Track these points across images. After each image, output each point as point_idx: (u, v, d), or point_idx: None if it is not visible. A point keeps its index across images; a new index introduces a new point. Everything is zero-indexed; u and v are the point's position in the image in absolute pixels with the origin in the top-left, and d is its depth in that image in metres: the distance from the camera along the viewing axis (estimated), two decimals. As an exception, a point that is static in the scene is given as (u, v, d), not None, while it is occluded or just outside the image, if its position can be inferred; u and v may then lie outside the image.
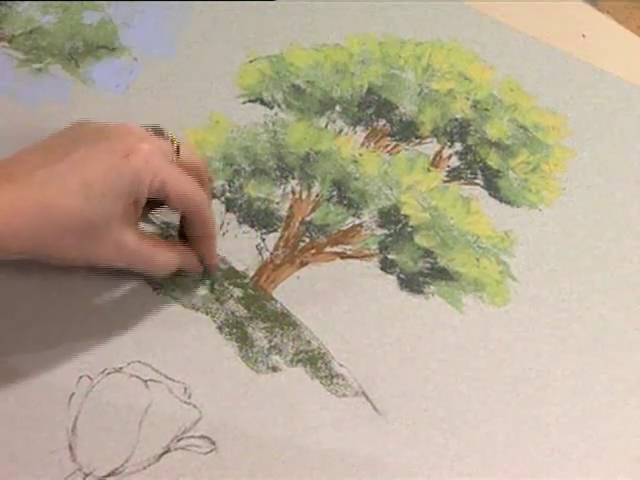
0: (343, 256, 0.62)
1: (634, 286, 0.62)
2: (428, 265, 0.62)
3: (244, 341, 0.57)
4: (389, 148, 0.67)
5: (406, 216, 0.64)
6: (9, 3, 0.71)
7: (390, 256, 0.62)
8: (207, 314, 0.58)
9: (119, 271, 0.57)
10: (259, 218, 0.62)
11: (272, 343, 0.57)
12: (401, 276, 0.61)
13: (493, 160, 0.67)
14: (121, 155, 0.51)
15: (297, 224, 0.63)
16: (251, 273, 0.60)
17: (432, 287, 0.61)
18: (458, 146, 0.68)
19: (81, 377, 0.54)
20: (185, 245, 0.58)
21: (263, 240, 0.62)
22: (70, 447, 0.52)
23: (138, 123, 0.64)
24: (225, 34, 0.72)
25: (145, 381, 0.55)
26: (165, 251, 0.56)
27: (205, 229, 0.56)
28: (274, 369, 0.56)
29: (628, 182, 0.67)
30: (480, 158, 0.67)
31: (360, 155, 0.66)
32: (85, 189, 0.49)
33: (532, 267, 0.62)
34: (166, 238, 0.60)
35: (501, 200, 0.65)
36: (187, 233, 0.57)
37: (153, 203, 0.55)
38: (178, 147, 0.55)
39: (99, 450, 0.52)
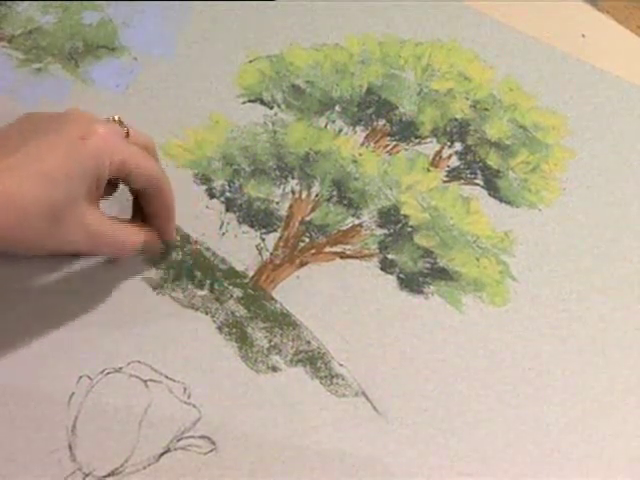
0: (343, 256, 0.62)
1: (634, 286, 0.62)
2: (428, 265, 0.62)
3: (244, 341, 0.57)
4: (389, 148, 0.67)
5: (406, 216, 0.64)
6: (9, 3, 0.71)
7: (390, 256, 0.62)
8: (207, 314, 0.58)
9: (119, 270, 0.57)
10: (259, 218, 0.62)
11: (272, 343, 0.57)
12: (401, 276, 0.61)
13: (493, 160, 0.67)
14: (77, 139, 0.51)
15: (297, 224, 0.63)
16: (251, 273, 0.60)
17: (432, 287, 0.61)
18: (458, 146, 0.68)
19: (81, 377, 0.54)
20: (144, 224, 0.58)
21: (263, 240, 0.62)
22: (70, 447, 0.52)
23: (138, 123, 0.64)
24: (225, 34, 0.72)
25: (145, 381, 0.55)
26: (127, 230, 0.56)
27: (165, 203, 0.57)
28: (274, 369, 0.56)
29: (628, 182, 0.67)
30: (480, 158, 0.67)
31: (360, 155, 0.66)
32: (45, 176, 0.49)
33: (532, 267, 0.62)
34: None
35: (501, 200, 0.65)
36: (146, 210, 0.57)
37: (109, 185, 0.56)
38: (127, 129, 0.56)
39: (99, 450, 0.52)
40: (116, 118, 0.56)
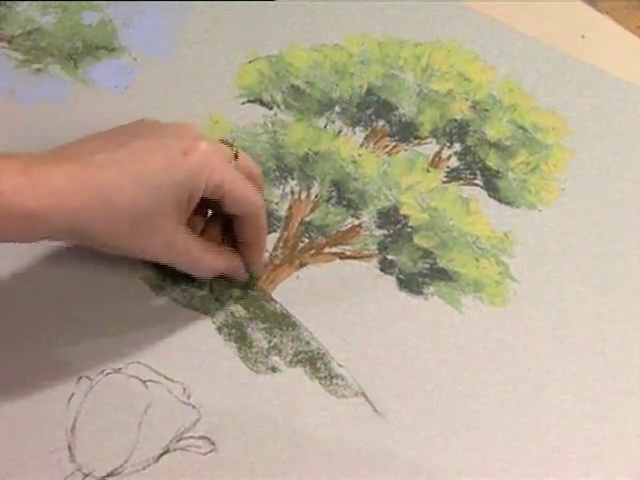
0: (342, 256, 0.62)
1: (634, 286, 0.62)
2: (427, 266, 0.62)
3: (243, 341, 0.57)
4: (388, 149, 0.67)
5: (405, 216, 0.64)
6: (8, 3, 0.71)
7: (389, 256, 0.62)
8: (206, 314, 0.58)
9: (119, 271, 0.57)
10: (258, 218, 0.62)
11: (271, 343, 0.57)
12: (400, 277, 0.61)
13: (492, 161, 0.67)
14: (179, 152, 0.51)
15: (296, 224, 0.63)
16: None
17: (431, 288, 0.61)
18: (457, 147, 0.68)
19: (80, 377, 0.54)
20: (232, 250, 0.58)
21: (262, 240, 0.61)
22: (69, 447, 0.52)
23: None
24: (225, 34, 0.72)
25: (144, 381, 0.55)
26: (212, 254, 0.56)
27: (257, 234, 0.56)
28: (273, 369, 0.56)
29: (627, 182, 0.67)
30: (479, 159, 0.67)
31: (359, 155, 0.66)
32: (141, 178, 0.50)
33: (531, 268, 0.62)
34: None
35: (500, 201, 0.65)
36: (238, 237, 0.57)
37: (204, 206, 0.55)
38: (236, 152, 0.55)
39: (98, 450, 0.52)
40: (229, 141, 0.56)
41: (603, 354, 0.59)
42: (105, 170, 0.49)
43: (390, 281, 0.61)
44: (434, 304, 0.60)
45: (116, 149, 0.50)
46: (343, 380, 0.56)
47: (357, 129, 0.68)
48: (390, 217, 0.63)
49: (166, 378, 0.55)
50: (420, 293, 0.60)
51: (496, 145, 0.68)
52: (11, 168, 0.47)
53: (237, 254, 0.58)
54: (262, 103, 0.69)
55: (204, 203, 0.54)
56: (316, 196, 0.64)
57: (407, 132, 0.68)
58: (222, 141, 0.56)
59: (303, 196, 0.64)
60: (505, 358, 0.58)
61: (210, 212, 0.58)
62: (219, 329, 0.57)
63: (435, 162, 0.67)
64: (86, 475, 0.51)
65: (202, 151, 0.51)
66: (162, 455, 0.52)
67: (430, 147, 0.67)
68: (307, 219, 0.63)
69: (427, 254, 0.62)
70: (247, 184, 0.54)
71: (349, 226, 0.63)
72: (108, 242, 0.52)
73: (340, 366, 0.57)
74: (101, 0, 0.73)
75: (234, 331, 0.57)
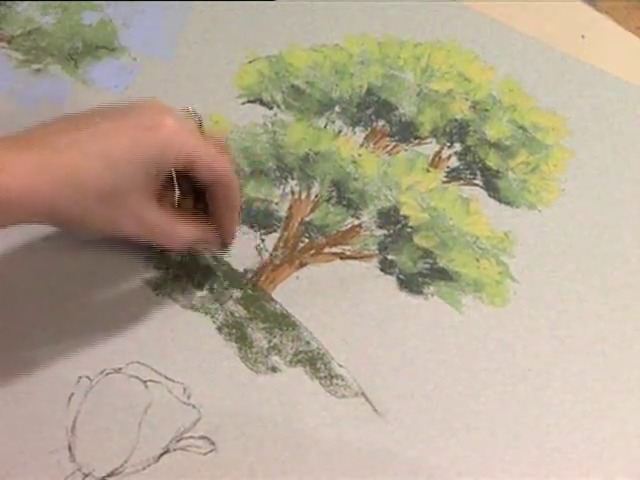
0: (342, 257, 0.62)
1: (634, 286, 0.62)
2: (427, 266, 0.62)
3: (243, 341, 0.57)
4: (388, 149, 0.67)
5: (405, 217, 0.64)
6: (8, 3, 0.71)
7: (389, 256, 0.62)
8: (206, 315, 0.58)
9: (119, 271, 0.57)
10: (258, 219, 0.62)
11: (271, 344, 0.57)
12: (400, 277, 0.61)
13: (492, 161, 0.67)
14: (145, 128, 0.51)
15: (296, 225, 0.63)
16: (250, 274, 0.60)
17: (431, 288, 0.61)
18: (457, 147, 0.68)
19: (80, 377, 0.54)
20: (204, 221, 0.57)
21: (262, 241, 0.62)
22: (69, 447, 0.52)
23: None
24: (224, 34, 0.72)
25: (144, 381, 0.55)
26: (184, 226, 0.56)
27: (231, 200, 0.56)
28: (273, 369, 0.56)
29: (627, 182, 0.67)
30: (479, 159, 0.67)
31: (359, 155, 0.66)
32: (108, 157, 0.50)
33: (531, 268, 0.62)
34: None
35: (500, 201, 0.65)
36: (211, 209, 0.56)
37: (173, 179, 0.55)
38: (200, 121, 0.55)
39: (98, 450, 0.52)
40: (190, 109, 0.56)
41: (603, 354, 0.59)
42: (71, 151, 0.49)
43: (390, 281, 0.61)
44: (434, 304, 0.60)
45: (79, 130, 0.50)
46: (343, 380, 0.56)
47: (357, 129, 0.68)
48: (390, 217, 0.63)
49: (166, 378, 0.55)
50: (420, 293, 0.60)
51: (496, 145, 0.68)
52: None
53: (210, 225, 0.57)
54: (262, 103, 0.69)
55: (172, 177, 0.54)
56: (316, 196, 0.64)
57: (407, 132, 0.68)
58: (185, 111, 0.55)
59: (303, 196, 0.64)
60: (505, 358, 0.58)
61: (178, 192, 0.57)
62: (219, 329, 0.57)
63: (435, 162, 0.67)
64: (86, 475, 0.51)
65: (167, 125, 0.51)
66: (162, 455, 0.52)
67: (430, 147, 0.67)
68: (307, 219, 0.63)
69: (427, 254, 0.62)
70: (215, 152, 0.54)
71: (349, 226, 0.63)
72: (80, 222, 0.51)
73: (340, 366, 0.57)
74: (101, 0, 0.73)
75: (234, 331, 0.57)
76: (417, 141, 0.68)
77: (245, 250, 0.61)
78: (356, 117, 0.68)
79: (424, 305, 0.60)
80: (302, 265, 0.61)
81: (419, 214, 0.64)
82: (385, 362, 0.57)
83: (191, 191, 0.57)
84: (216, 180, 0.54)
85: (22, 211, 0.48)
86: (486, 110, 0.70)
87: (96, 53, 0.70)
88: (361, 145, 0.67)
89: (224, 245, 0.59)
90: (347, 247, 0.62)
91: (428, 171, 0.66)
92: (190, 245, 0.57)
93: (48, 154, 0.49)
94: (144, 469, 0.52)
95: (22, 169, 0.48)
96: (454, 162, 0.67)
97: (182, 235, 0.56)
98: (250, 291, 0.59)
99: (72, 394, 0.54)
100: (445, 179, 0.66)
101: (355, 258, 0.62)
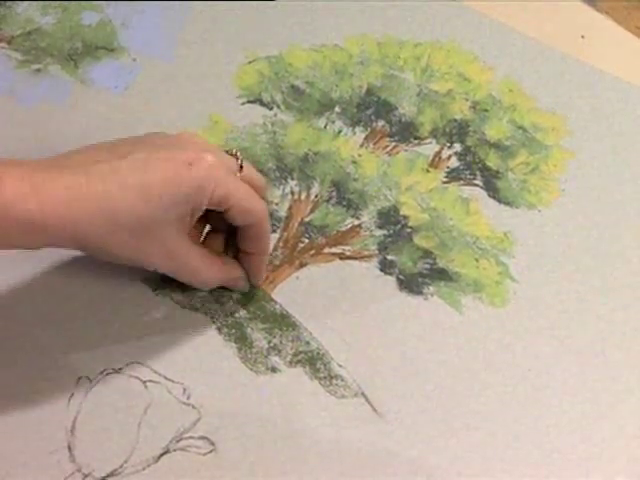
0: (342, 257, 0.62)
1: (634, 286, 0.62)
2: (427, 266, 0.62)
3: (243, 342, 0.57)
4: (388, 149, 0.67)
5: (405, 217, 0.64)
6: (8, 3, 0.71)
7: (389, 257, 0.62)
8: (206, 315, 0.58)
9: (119, 271, 0.57)
10: (258, 219, 0.62)
11: (271, 344, 0.57)
12: (400, 277, 0.61)
13: (492, 161, 0.67)
14: (184, 163, 0.50)
15: (296, 225, 0.63)
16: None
17: (431, 288, 0.61)
18: (457, 147, 0.68)
19: (80, 378, 0.54)
20: (233, 261, 0.58)
21: (262, 241, 0.61)
22: (69, 448, 0.52)
23: (137, 124, 0.64)
24: (224, 35, 0.72)
25: (144, 382, 0.55)
26: (213, 265, 0.56)
27: (260, 245, 0.56)
28: (273, 370, 0.56)
29: (627, 183, 0.67)
30: (479, 159, 0.67)
31: (359, 156, 0.66)
32: (143, 189, 0.49)
33: (531, 268, 0.62)
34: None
35: (500, 201, 0.65)
36: (241, 247, 0.57)
37: (208, 215, 0.55)
38: (241, 163, 0.55)
39: (98, 451, 0.52)
40: (234, 151, 0.55)
41: (603, 354, 0.59)
42: (107, 181, 0.49)
43: (390, 281, 0.61)
44: (434, 304, 0.60)
45: (119, 159, 0.50)
46: (343, 380, 0.56)
47: (357, 129, 0.68)
48: (390, 217, 0.63)
49: (166, 378, 0.55)
50: (420, 293, 0.60)
51: (496, 145, 0.68)
52: (14, 174, 0.47)
53: (238, 265, 0.58)
54: (262, 103, 0.69)
55: (206, 213, 0.54)
56: (316, 196, 0.64)
57: (407, 132, 0.68)
58: (227, 152, 0.55)
59: (303, 196, 0.64)
60: (505, 358, 0.58)
61: (208, 227, 0.58)
62: (219, 329, 0.57)
63: (435, 162, 0.67)
64: (86, 475, 0.51)
65: (207, 163, 0.51)
66: (162, 455, 0.52)
67: (430, 147, 0.67)
68: (307, 219, 0.63)
69: (427, 254, 0.62)
70: (252, 196, 0.54)
71: (349, 226, 0.63)
72: (109, 251, 0.52)
73: (340, 366, 0.57)
74: (101, 0, 0.73)
75: (234, 331, 0.57)
76: (417, 141, 0.68)
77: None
78: (356, 117, 0.68)
79: (424, 305, 0.60)
80: (302, 265, 0.61)
81: (419, 214, 0.64)
82: (385, 362, 0.57)
83: (223, 228, 0.57)
84: (248, 222, 0.54)
85: (54, 236, 0.48)
86: (486, 110, 0.70)
87: (96, 53, 0.70)
88: (361, 145, 0.67)
89: (251, 285, 0.59)
90: (347, 247, 0.62)
91: (428, 171, 0.66)
92: (216, 285, 0.58)
93: (84, 181, 0.48)
94: (144, 469, 0.52)
95: (58, 195, 0.47)
96: (454, 162, 0.67)
97: (210, 275, 0.56)
98: (250, 291, 0.59)
99: (72, 394, 0.54)
100: (445, 179, 0.66)
101: (355, 258, 0.61)
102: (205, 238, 0.58)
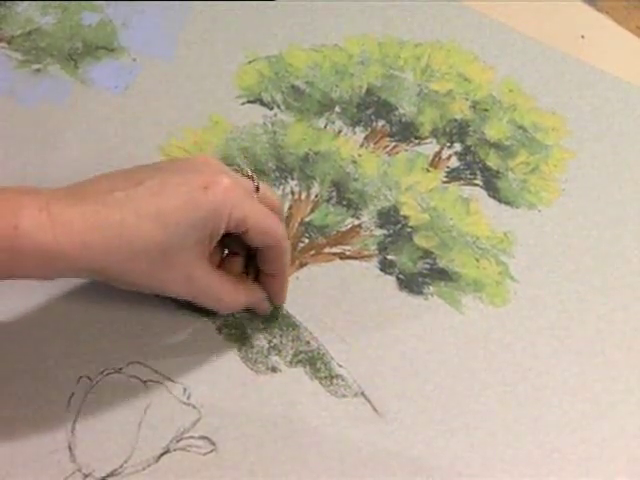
0: (342, 257, 0.62)
1: (634, 286, 0.62)
2: (427, 266, 0.62)
3: (243, 342, 0.57)
4: (388, 149, 0.67)
5: (405, 217, 0.63)
6: (8, 3, 0.71)
7: (389, 257, 0.62)
8: (206, 315, 0.58)
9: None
10: (258, 219, 0.62)
11: (271, 344, 0.57)
12: (400, 277, 0.61)
13: (492, 161, 0.67)
14: (200, 187, 0.50)
15: (296, 225, 0.63)
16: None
17: (431, 288, 0.61)
18: (457, 147, 0.68)
19: (81, 377, 0.54)
20: (255, 282, 0.57)
21: (262, 241, 0.61)
22: (69, 448, 0.52)
23: (137, 124, 0.64)
24: (224, 35, 0.72)
25: (144, 382, 0.55)
26: (234, 290, 0.55)
27: (280, 266, 0.56)
28: (273, 370, 0.56)
29: (627, 182, 0.67)
30: (479, 159, 0.67)
31: (359, 156, 0.66)
32: (160, 216, 0.49)
33: (531, 268, 0.62)
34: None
35: (500, 201, 0.65)
36: (260, 269, 0.56)
37: (226, 239, 0.54)
38: (258, 185, 0.54)
39: (98, 451, 0.52)
40: (249, 172, 0.55)
41: (603, 354, 0.59)
42: (123, 209, 0.49)
43: (390, 281, 0.61)
44: (434, 304, 0.60)
45: (134, 186, 0.49)
46: (343, 380, 0.56)
47: (357, 129, 0.68)
48: (390, 217, 0.63)
49: (166, 378, 0.55)
50: (420, 293, 0.60)
51: (496, 145, 0.68)
52: (32, 205, 0.47)
53: (259, 287, 0.57)
54: (262, 103, 0.69)
55: (224, 236, 0.53)
56: (316, 196, 0.64)
57: (407, 132, 0.68)
58: (243, 174, 0.55)
59: (303, 196, 0.64)
60: (505, 358, 0.58)
61: (226, 251, 0.57)
62: (219, 329, 0.57)
63: (435, 162, 0.67)
64: (86, 475, 0.51)
65: (223, 186, 0.50)
66: (162, 455, 0.52)
67: (430, 147, 0.67)
68: (307, 219, 0.63)
69: (427, 254, 0.62)
70: (270, 217, 0.53)
71: (349, 226, 0.63)
72: (127, 280, 0.51)
73: (340, 366, 0.57)
74: (101, 0, 0.73)
75: (234, 331, 0.57)
76: (417, 141, 0.68)
77: (245, 250, 0.61)
78: (356, 117, 0.68)
79: (424, 305, 0.60)
80: (302, 265, 0.61)
81: (419, 214, 0.64)
82: (385, 362, 0.57)
83: (242, 251, 0.57)
84: (266, 244, 0.54)
85: (71, 266, 0.48)
86: (486, 110, 0.70)
87: (96, 53, 0.70)
88: (361, 145, 0.67)
89: (274, 303, 0.58)
90: (347, 247, 0.62)
91: (428, 171, 0.66)
92: (238, 309, 0.57)
93: (101, 210, 0.48)
94: (144, 469, 0.52)
95: (75, 224, 0.47)
96: (454, 162, 0.67)
97: (232, 299, 0.55)
98: (250, 291, 0.59)
99: (72, 394, 0.54)
100: (445, 179, 0.66)
101: (355, 258, 0.61)
102: (224, 262, 0.57)
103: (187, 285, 0.53)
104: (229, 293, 0.55)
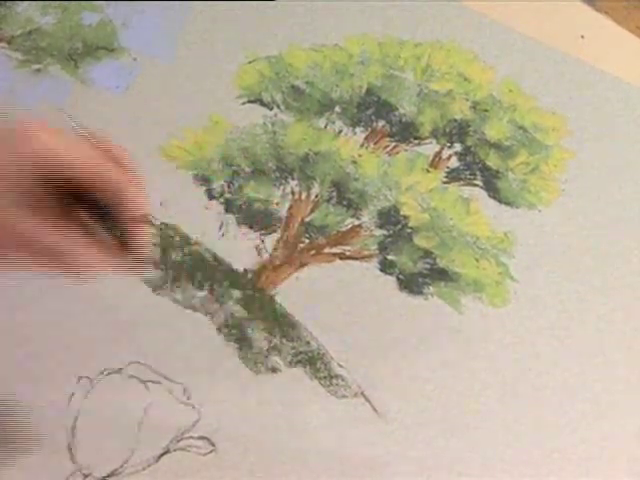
0: (342, 257, 0.62)
1: (634, 286, 0.62)
2: (427, 266, 0.62)
3: (243, 342, 0.57)
4: (388, 149, 0.67)
5: (405, 217, 0.64)
6: (8, 3, 0.71)
7: (389, 257, 0.62)
8: (206, 315, 0.58)
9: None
10: (258, 219, 0.62)
11: (271, 344, 0.57)
12: (400, 277, 0.61)
13: (492, 161, 0.67)
14: (16, 139, 0.48)
15: (296, 225, 0.63)
16: (250, 274, 0.60)
17: (431, 288, 0.61)
18: (457, 147, 0.68)
19: (81, 377, 0.54)
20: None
21: (262, 241, 0.62)
22: (69, 448, 0.52)
23: (137, 124, 0.64)
24: (224, 35, 0.72)
25: (144, 382, 0.55)
26: (90, 247, 0.47)
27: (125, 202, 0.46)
28: (273, 370, 0.56)
29: (627, 182, 0.67)
30: (479, 159, 0.67)
31: (359, 156, 0.66)
32: None
33: (531, 268, 0.62)
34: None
35: (500, 201, 0.65)
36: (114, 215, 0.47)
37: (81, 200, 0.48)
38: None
39: (98, 451, 0.52)
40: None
41: (603, 354, 0.59)
42: None
43: (390, 281, 0.61)
44: (434, 304, 0.60)
45: None
46: (343, 380, 0.56)
47: (357, 129, 0.68)
48: (390, 217, 0.63)
49: (166, 378, 0.55)
50: (420, 293, 0.60)
51: (496, 145, 0.68)
52: None
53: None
54: (262, 103, 0.69)
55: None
56: (316, 196, 0.64)
57: (407, 132, 0.68)
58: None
59: (303, 196, 0.64)
60: (505, 358, 0.58)
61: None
62: (219, 329, 0.57)
63: (435, 162, 0.67)
64: (86, 475, 0.51)
65: (39, 136, 0.48)
66: (162, 455, 0.52)
67: (430, 147, 0.67)
68: (307, 219, 0.63)
69: (427, 254, 0.62)
70: (82, 147, 0.49)
71: (349, 226, 0.63)
72: None
73: (340, 366, 0.57)
74: (101, 0, 0.73)
75: (234, 331, 0.57)
76: (417, 141, 0.68)
77: (245, 250, 0.61)
78: (356, 117, 0.68)
79: (424, 305, 0.60)
80: (302, 265, 0.61)
81: (419, 214, 0.64)
82: (385, 362, 0.57)
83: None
84: (94, 180, 0.47)
85: None
86: (486, 110, 0.70)
87: (96, 53, 0.70)
88: (361, 145, 0.67)
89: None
90: (347, 247, 0.62)
91: (428, 171, 0.66)
92: (100, 270, 0.48)
93: None
94: (144, 469, 0.52)
95: None
96: (454, 162, 0.67)
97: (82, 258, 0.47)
98: (250, 291, 0.59)
99: (72, 394, 0.54)
100: (445, 179, 0.66)
101: (355, 258, 0.62)
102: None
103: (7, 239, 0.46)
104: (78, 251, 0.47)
